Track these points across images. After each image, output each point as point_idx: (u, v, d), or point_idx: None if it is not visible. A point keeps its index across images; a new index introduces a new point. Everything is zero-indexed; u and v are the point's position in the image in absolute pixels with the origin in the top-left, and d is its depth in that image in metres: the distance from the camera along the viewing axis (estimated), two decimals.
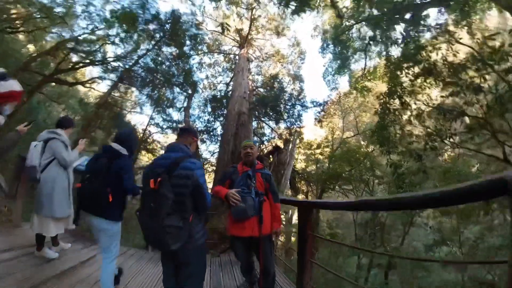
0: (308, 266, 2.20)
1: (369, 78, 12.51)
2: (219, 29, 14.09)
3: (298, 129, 12.33)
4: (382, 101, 7.30)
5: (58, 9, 9.65)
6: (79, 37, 10.26)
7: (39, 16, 9.48)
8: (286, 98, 12.54)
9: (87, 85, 11.93)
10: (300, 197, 12.90)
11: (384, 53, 9.74)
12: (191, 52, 13.39)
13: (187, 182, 1.53)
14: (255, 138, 12.57)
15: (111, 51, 11.89)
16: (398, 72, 7.10)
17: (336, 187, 12.20)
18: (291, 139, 11.57)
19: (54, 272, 2.42)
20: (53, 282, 2.25)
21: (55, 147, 2.58)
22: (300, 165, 14.75)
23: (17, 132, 2.05)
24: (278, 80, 13.99)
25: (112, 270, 2.07)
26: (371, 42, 9.75)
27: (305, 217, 2.36)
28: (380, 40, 9.05)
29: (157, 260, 2.99)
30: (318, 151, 14.29)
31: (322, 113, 13.40)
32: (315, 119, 13.47)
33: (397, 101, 7.16)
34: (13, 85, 1.79)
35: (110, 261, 2.05)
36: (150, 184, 1.49)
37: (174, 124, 13.49)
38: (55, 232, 2.62)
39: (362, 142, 14.07)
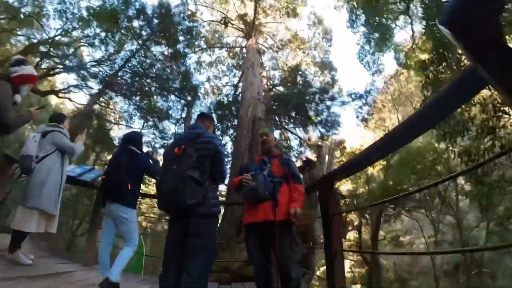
0: (339, 257, 2.16)
1: (422, 48, 10.34)
2: (218, 18, 13.01)
3: (335, 134, 11.33)
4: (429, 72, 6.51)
5: (26, 9, 9.78)
6: (51, 40, 10.27)
7: (2, 17, 9.57)
8: (314, 94, 11.00)
9: (61, 94, 11.81)
10: (352, 235, 10.83)
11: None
12: (187, 50, 12.94)
13: (208, 146, 1.96)
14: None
15: (89, 54, 11.87)
16: None
17: (400, 209, 10.97)
18: (327, 149, 10.55)
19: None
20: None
21: (59, 138, 2.96)
22: (344, 187, 13.26)
23: (30, 113, 2.62)
24: (300, 72, 13.00)
25: (129, 256, 2.70)
26: None
27: (326, 194, 2.38)
28: None
29: (152, 282, 3.44)
30: None
31: (367, 107, 12.12)
32: (358, 117, 12.17)
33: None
34: (32, 69, 2.63)
35: (130, 248, 2.71)
36: (175, 150, 1.93)
37: (170, 141, 12.33)
38: (35, 229, 2.81)
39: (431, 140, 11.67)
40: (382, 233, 12.47)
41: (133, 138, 2.98)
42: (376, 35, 11.15)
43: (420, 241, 12.30)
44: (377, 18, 10.54)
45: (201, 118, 2.30)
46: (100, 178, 3.09)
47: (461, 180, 10.57)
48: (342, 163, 12.39)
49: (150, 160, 3.07)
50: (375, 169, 12.65)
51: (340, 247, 2.20)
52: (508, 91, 0.64)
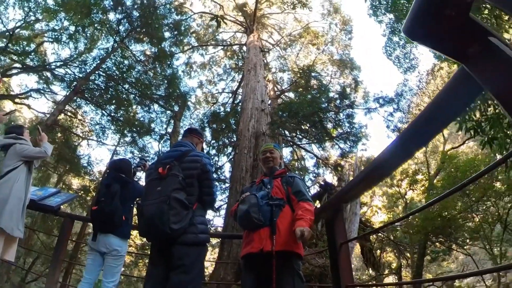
0: None
1: None
2: (211, 9, 13.40)
3: (361, 150, 11.58)
4: None
5: None
6: (9, 32, 10.23)
7: None
8: (332, 101, 11.10)
9: (19, 100, 11.93)
10: (390, 279, 10.71)
11: None
12: (174, 49, 13.25)
13: (196, 165, 2.17)
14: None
15: (54, 52, 11.89)
16: None
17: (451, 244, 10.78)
18: (351, 170, 10.68)
19: None
20: None
21: (25, 148, 3.23)
22: (377, 217, 13.16)
23: None
24: (315, 74, 13.09)
25: None
26: None
27: (333, 220, 2.44)
28: None
29: None
30: (405, 184, 12.19)
31: (399, 114, 12.07)
32: (388, 127, 12.05)
33: None
34: None
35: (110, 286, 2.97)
36: (159, 170, 2.12)
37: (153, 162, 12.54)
38: None
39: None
40: (431, 275, 12.23)
41: (121, 167, 3.26)
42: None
43: (482, 284, 12.04)
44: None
45: (189, 134, 2.55)
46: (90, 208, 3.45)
47: None
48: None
49: (143, 171, 3.43)
50: (414, 192, 12.55)
51: (350, 281, 2.23)
52: (497, 94, 0.68)
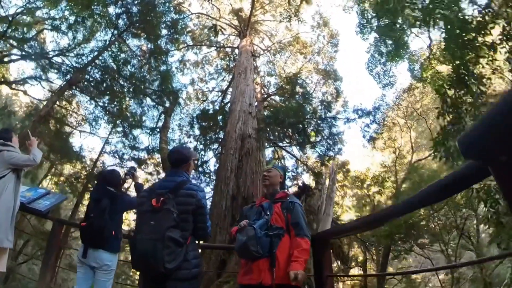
0: None
1: (441, 59, 11.46)
2: (208, 11, 13.74)
3: (338, 156, 11.83)
4: (445, 94, 7.16)
5: None
6: (10, 17, 10.16)
7: None
8: (315, 108, 11.75)
9: (15, 86, 11.95)
10: (355, 271, 11.63)
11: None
12: (169, 46, 13.44)
13: (191, 200, 2.15)
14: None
15: (53, 40, 11.88)
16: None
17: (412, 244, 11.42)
18: (328, 173, 10.35)
19: None
20: None
21: (13, 156, 3.07)
22: (347, 215, 14.04)
23: None
24: (300, 81, 13.72)
25: None
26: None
27: (320, 254, 2.60)
28: None
29: None
30: (374, 189, 13.22)
31: (375, 126, 12.51)
32: (364, 136, 12.61)
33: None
34: None
35: None
36: (152, 202, 2.08)
37: (143, 154, 12.77)
38: None
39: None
40: (391, 270, 13.37)
41: (110, 180, 3.26)
42: (389, 42, 11.72)
43: (436, 278, 13.10)
44: (390, 23, 10.93)
45: (177, 167, 2.40)
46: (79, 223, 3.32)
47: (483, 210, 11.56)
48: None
49: (132, 180, 3.48)
50: (382, 197, 13.39)
51: None
52: (509, 197, 0.73)
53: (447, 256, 11.51)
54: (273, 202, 2.56)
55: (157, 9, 12.20)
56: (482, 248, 11.36)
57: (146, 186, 3.12)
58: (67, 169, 13.82)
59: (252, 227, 2.32)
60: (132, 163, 12.90)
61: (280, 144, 12.28)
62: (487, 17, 7.19)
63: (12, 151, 3.12)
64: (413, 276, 13.10)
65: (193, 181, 2.38)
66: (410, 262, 13.54)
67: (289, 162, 13.43)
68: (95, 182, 3.77)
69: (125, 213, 3.51)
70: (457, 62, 7.33)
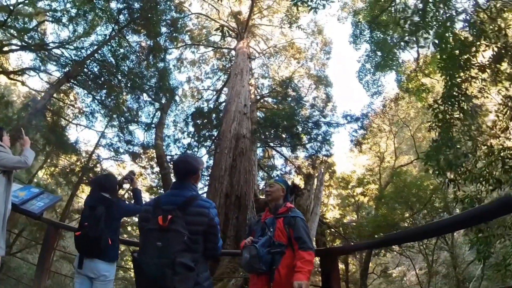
0: None
1: (426, 72, 12.11)
2: (208, 12, 14.01)
3: (326, 158, 12.00)
4: (436, 110, 7.37)
5: None
6: (11, 7, 10.04)
7: None
8: (307, 111, 12.22)
9: (14, 76, 11.81)
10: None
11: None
12: (168, 44, 13.63)
13: (203, 220, 1.94)
14: (261, 173, 11.94)
15: (54, 32, 11.92)
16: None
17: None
18: (316, 174, 11.01)
19: None
20: None
21: (3, 157, 2.88)
22: (332, 214, 14.46)
23: None
24: (293, 84, 14.03)
25: None
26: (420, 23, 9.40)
27: (329, 269, 2.61)
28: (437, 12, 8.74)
29: None
30: (359, 190, 13.79)
31: (362, 131, 13.11)
32: (352, 141, 13.22)
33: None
34: None
35: None
36: (159, 220, 1.86)
37: (137, 149, 12.91)
38: None
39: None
40: (371, 265, 13.97)
41: (105, 185, 3.08)
42: (379, 53, 12.18)
43: (411, 273, 13.85)
44: (382, 35, 11.53)
45: (183, 179, 2.16)
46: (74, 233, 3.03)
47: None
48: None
49: (130, 185, 3.36)
50: (365, 198, 13.90)
51: None
52: None
53: (425, 255, 12.15)
54: (275, 217, 2.62)
55: (158, 6, 12.24)
56: (455, 248, 11.98)
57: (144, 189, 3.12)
58: (63, 161, 13.81)
59: (254, 247, 2.43)
60: (130, 163, 13.00)
61: (272, 144, 12.49)
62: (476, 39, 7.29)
63: (2, 151, 2.91)
64: (390, 271, 13.87)
65: (204, 198, 2.16)
66: (388, 258, 14.10)
67: (278, 162, 13.85)
68: (90, 188, 3.46)
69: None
70: (448, 80, 7.40)
